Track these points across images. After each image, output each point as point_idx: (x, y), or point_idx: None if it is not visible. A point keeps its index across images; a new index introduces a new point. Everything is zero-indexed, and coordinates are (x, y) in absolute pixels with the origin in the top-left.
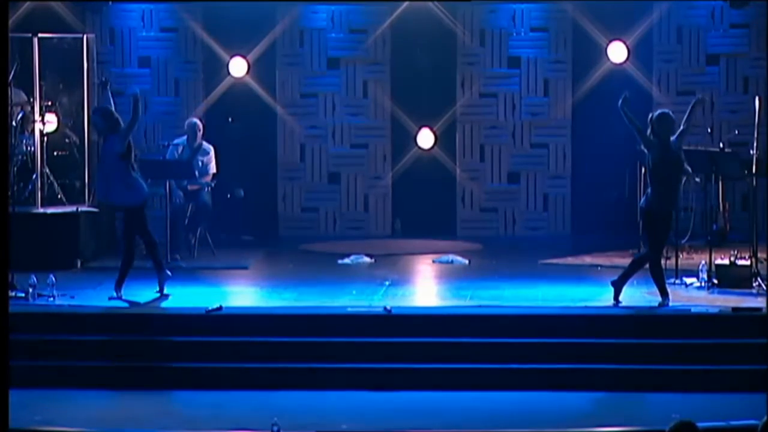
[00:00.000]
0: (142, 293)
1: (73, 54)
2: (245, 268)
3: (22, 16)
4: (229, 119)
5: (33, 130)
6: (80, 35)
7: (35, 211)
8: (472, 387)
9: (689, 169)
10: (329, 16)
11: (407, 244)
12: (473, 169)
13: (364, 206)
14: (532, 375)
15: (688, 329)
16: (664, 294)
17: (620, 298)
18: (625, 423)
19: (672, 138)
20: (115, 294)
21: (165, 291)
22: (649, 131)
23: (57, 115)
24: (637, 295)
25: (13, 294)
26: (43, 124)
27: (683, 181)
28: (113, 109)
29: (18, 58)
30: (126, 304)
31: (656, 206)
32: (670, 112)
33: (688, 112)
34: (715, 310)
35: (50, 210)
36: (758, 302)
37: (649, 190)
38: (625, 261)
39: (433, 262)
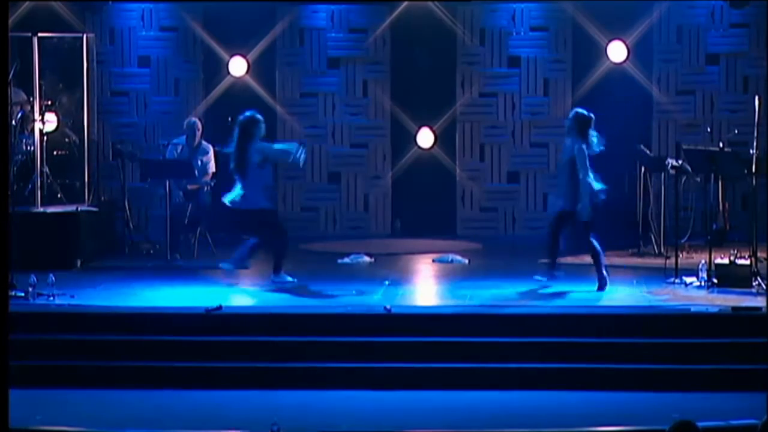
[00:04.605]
0: (143, 293)
1: (73, 54)
2: (245, 267)
3: (22, 16)
4: (229, 119)
5: (33, 130)
6: (80, 35)
7: (35, 210)
8: (472, 387)
9: (689, 167)
10: (329, 16)
11: (407, 244)
12: (473, 168)
13: (364, 206)
14: (532, 375)
15: (687, 329)
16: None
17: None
18: (625, 423)
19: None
20: (275, 277)
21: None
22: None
23: (57, 115)
24: (637, 294)
25: (13, 294)
26: (43, 123)
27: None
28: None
29: (18, 57)
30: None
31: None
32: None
33: None
34: (715, 310)
35: (50, 210)
36: (758, 302)
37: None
38: (625, 261)
39: (433, 261)
